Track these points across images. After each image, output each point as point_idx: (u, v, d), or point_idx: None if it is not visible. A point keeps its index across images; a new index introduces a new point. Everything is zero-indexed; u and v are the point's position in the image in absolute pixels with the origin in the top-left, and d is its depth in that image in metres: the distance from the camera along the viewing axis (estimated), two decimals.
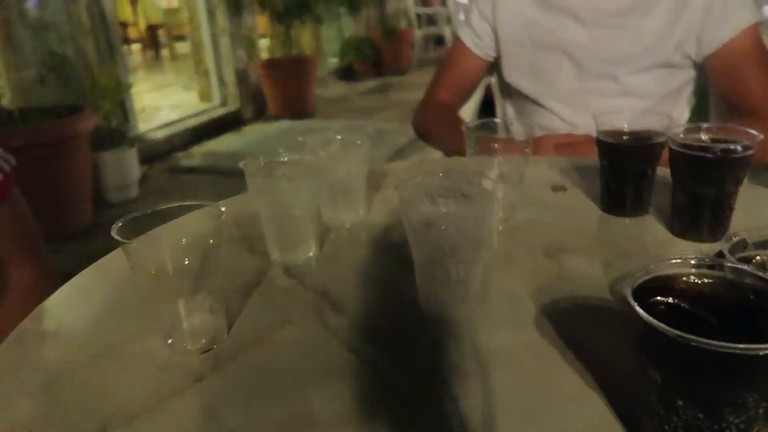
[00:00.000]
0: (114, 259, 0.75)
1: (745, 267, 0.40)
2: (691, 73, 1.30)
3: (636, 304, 0.36)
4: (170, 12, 7.55)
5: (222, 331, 0.59)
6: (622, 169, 0.79)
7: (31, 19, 3.37)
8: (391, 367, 0.53)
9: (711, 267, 0.40)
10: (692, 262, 0.41)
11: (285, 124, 5.00)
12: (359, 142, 0.82)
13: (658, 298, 0.38)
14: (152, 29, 8.15)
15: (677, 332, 0.34)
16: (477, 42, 1.44)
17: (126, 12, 8.03)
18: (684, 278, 0.40)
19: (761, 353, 0.32)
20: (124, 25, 8.06)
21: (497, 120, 1.00)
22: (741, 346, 0.32)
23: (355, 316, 0.61)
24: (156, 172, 3.91)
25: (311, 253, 0.74)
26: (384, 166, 1.07)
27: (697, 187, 0.70)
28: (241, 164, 0.70)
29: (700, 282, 0.40)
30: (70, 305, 0.69)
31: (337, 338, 0.57)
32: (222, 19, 4.91)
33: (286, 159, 0.74)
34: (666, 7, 1.23)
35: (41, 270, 0.91)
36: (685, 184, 0.71)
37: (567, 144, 1.22)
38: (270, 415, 0.48)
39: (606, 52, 1.29)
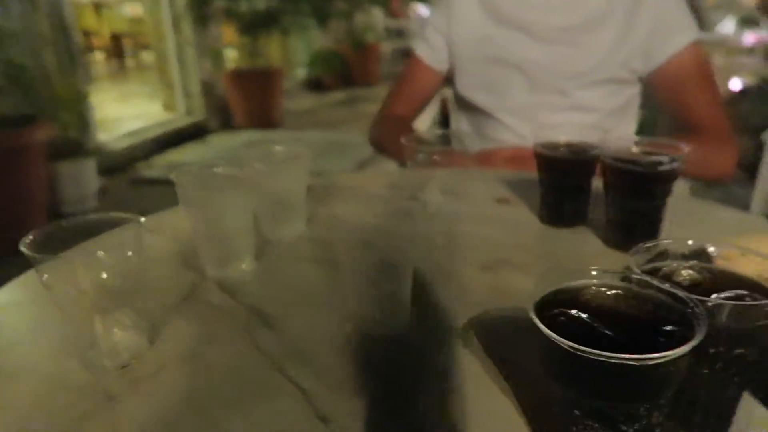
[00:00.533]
0: (31, 280, 0.73)
1: (647, 278, 0.40)
2: (637, 89, 1.34)
3: (534, 315, 0.36)
4: (135, 21, 7.45)
5: (143, 347, 0.58)
6: (558, 182, 0.80)
7: None
8: (313, 385, 0.52)
9: (623, 279, 0.41)
10: (595, 273, 0.41)
11: (250, 135, 4.96)
12: (299, 155, 0.81)
13: (560, 310, 0.38)
14: (117, 38, 8.02)
15: (568, 343, 0.34)
16: (432, 56, 1.46)
17: (90, 20, 7.90)
18: (589, 290, 0.41)
19: (648, 363, 0.32)
20: (87, 33, 7.92)
21: (443, 132, 1.00)
22: (622, 357, 0.32)
23: (285, 333, 0.60)
24: (116, 183, 3.84)
25: (245, 267, 0.73)
26: (329, 178, 1.06)
27: (627, 199, 0.71)
28: (171, 176, 0.69)
29: (604, 294, 0.40)
30: None
31: (266, 356, 0.56)
32: (187, 29, 4.86)
33: (220, 170, 0.73)
34: (615, 24, 1.27)
35: None
36: (615, 196, 0.72)
37: (517, 157, 1.24)
38: None
39: (557, 68, 1.31)
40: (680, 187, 1.35)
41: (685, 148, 0.70)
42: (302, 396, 0.50)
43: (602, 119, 1.33)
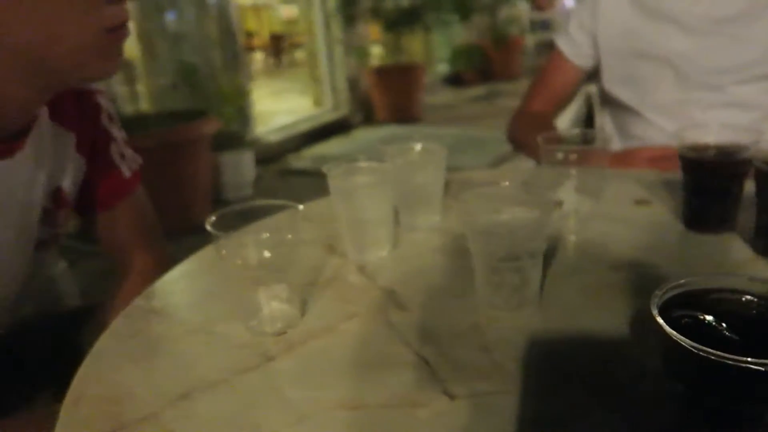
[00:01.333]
0: (209, 253, 0.85)
1: None
2: None
3: (658, 314, 0.38)
4: (290, 22, 8.00)
5: (296, 318, 0.66)
6: (705, 185, 0.77)
7: (168, 31, 3.75)
8: (440, 363, 0.56)
9: (745, 284, 0.41)
10: (727, 278, 0.41)
11: (391, 129, 5.13)
12: (437, 151, 0.86)
13: (685, 311, 0.39)
14: (275, 38, 8.67)
15: (691, 343, 0.35)
16: (574, 51, 1.43)
17: (251, 22, 8.62)
18: (716, 294, 0.41)
19: (761, 369, 0.33)
20: (249, 34, 8.65)
21: (588, 130, 0.99)
22: (749, 360, 0.33)
23: (416, 314, 0.66)
24: (269, 173, 4.18)
25: (384, 254, 0.80)
26: (465, 174, 1.10)
27: None
28: (323, 168, 0.77)
29: (731, 299, 0.40)
30: (174, 288, 0.80)
31: (396, 333, 0.62)
32: (336, 28, 5.13)
33: (365, 165, 0.80)
34: None
35: (159, 258, 1.03)
36: (767, 202, 0.68)
37: (662, 157, 1.18)
38: (326, 395, 0.54)
39: (710, 62, 1.23)
40: None
41: None
42: (429, 371, 0.55)
43: (762, 118, 1.22)
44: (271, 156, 4.43)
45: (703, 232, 0.79)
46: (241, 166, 3.62)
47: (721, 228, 0.78)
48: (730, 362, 0.34)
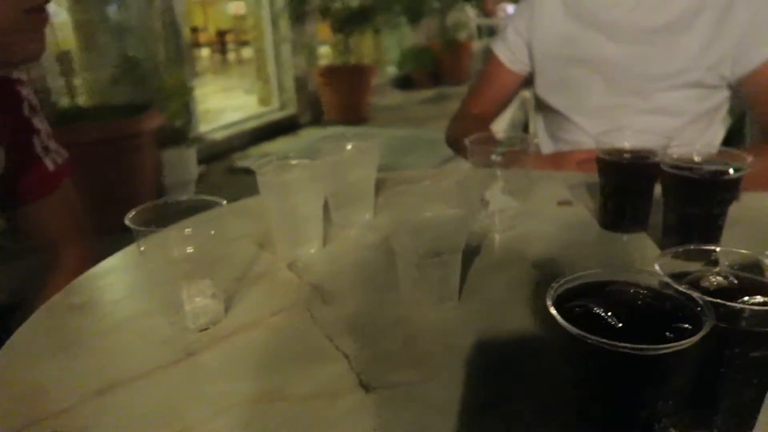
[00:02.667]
0: (134, 250, 0.84)
1: (666, 278, 0.43)
2: (725, 94, 1.29)
3: (551, 304, 0.40)
4: (238, 18, 7.88)
5: (220, 314, 0.66)
6: (618, 187, 0.81)
7: (110, 23, 3.63)
8: (359, 356, 0.58)
9: (640, 277, 0.44)
10: (623, 271, 0.44)
11: (338, 130, 5.12)
12: (369, 148, 0.87)
13: (579, 301, 0.42)
14: (221, 35, 8.52)
15: (575, 330, 0.37)
16: (511, 57, 1.48)
17: (198, 17, 8.44)
18: (610, 286, 0.44)
19: (639, 353, 0.36)
20: (195, 30, 8.46)
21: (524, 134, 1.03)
22: (622, 344, 0.35)
23: (340, 309, 0.67)
24: (214, 171, 4.10)
25: (314, 251, 0.81)
26: (400, 173, 1.12)
27: (683, 206, 0.71)
28: (253, 165, 0.77)
29: (624, 291, 0.43)
30: (96, 284, 0.78)
31: (319, 328, 0.63)
32: (285, 26, 5.09)
33: (295, 162, 0.80)
34: (704, 27, 1.22)
35: (86, 253, 1.01)
36: (672, 203, 0.73)
37: (591, 160, 1.24)
38: (245, 389, 0.54)
39: (638, 69, 1.29)
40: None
41: (749, 158, 0.70)
42: (347, 364, 0.57)
43: (687, 124, 1.29)
44: (216, 154, 4.36)
45: (618, 231, 0.84)
46: (184, 164, 3.55)
47: (633, 228, 0.83)
48: (607, 347, 0.36)
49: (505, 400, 0.51)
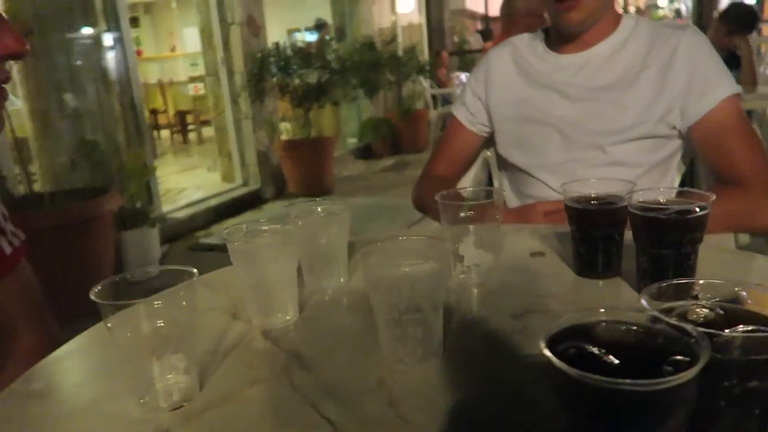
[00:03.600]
0: (100, 329, 0.80)
1: (657, 313, 0.42)
2: (677, 143, 1.34)
3: (545, 346, 0.39)
4: (198, 99, 7.99)
5: (194, 390, 0.62)
6: (589, 233, 0.82)
7: (67, 109, 3.62)
8: (344, 422, 0.55)
9: (627, 314, 0.43)
10: (609, 310, 0.43)
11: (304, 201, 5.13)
12: (340, 211, 0.87)
13: (572, 343, 0.41)
14: (181, 115, 8.60)
15: (573, 370, 0.36)
16: (471, 119, 1.52)
17: (157, 100, 8.52)
18: (600, 326, 0.43)
19: (641, 389, 0.34)
20: (154, 112, 8.52)
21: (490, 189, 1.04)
22: (624, 381, 0.34)
23: (321, 374, 0.64)
24: (177, 250, 4.02)
25: (289, 317, 0.78)
26: (372, 236, 1.12)
27: (656, 248, 0.72)
28: (224, 233, 0.76)
29: (616, 328, 0.43)
30: (58, 369, 0.73)
31: (300, 395, 0.60)
32: (245, 104, 5.18)
33: (266, 228, 0.79)
34: (648, 82, 1.29)
35: (45, 337, 0.95)
36: (644, 245, 0.74)
37: (555, 211, 1.26)
38: None
39: (593, 125, 1.34)
40: (724, 238, 1.33)
41: (712, 197, 0.72)
42: (333, 431, 0.53)
43: (643, 174, 1.33)
44: (179, 233, 4.29)
45: (593, 278, 0.84)
46: (146, 245, 3.47)
47: (607, 273, 0.83)
48: (608, 385, 0.35)
49: None
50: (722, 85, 1.25)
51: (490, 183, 1.94)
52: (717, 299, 0.49)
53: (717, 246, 0.91)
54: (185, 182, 5.79)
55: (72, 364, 0.74)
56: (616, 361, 0.38)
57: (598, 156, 1.35)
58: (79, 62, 3.69)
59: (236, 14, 5.00)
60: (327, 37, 6.72)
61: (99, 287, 0.60)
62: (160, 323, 0.61)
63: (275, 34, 6.25)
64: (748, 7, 4.15)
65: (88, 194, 3.14)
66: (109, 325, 0.59)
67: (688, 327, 0.40)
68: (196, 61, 8.21)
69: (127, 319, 0.59)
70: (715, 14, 5.03)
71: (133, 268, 3.37)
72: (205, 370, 0.66)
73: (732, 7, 4.02)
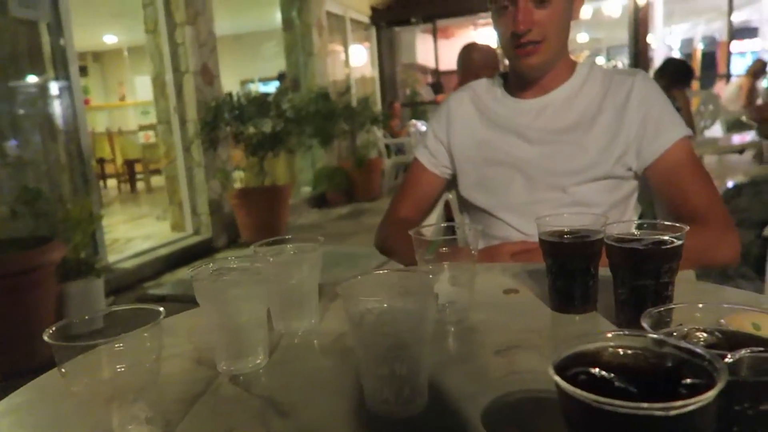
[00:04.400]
0: (54, 377, 0.73)
1: (663, 337, 0.41)
2: (634, 184, 1.38)
3: (555, 373, 0.37)
4: (148, 147, 7.84)
5: None
6: (565, 267, 0.82)
7: (9, 157, 3.47)
8: None
9: (632, 338, 0.41)
10: (613, 334, 0.42)
11: None
12: (311, 249, 0.83)
13: (580, 369, 0.39)
14: (129, 164, 8.40)
15: (592, 397, 0.34)
16: (433, 161, 1.52)
17: (105, 149, 8.31)
18: (606, 351, 0.41)
19: (671, 414, 0.32)
20: (101, 161, 8.30)
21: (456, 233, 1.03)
22: (649, 405, 0.32)
23: (300, 420, 0.59)
24: (124, 302, 3.84)
25: (259, 361, 0.73)
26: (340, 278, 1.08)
27: (634, 279, 0.72)
28: (189, 271, 0.71)
29: (622, 353, 0.41)
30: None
31: None
32: (197, 152, 5.11)
33: (235, 265, 0.75)
34: (605, 125, 1.33)
35: None
36: (622, 277, 0.74)
37: (522, 251, 1.26)
38: None
39: (553, 167, 1.37)
40: (686, 273, 1.35)
41: (685, 227, 0.72)
42: None
43: (603, 213, 1.36)
44: (126, 284, 4.11)
45: (569, 312, 0.83)
46: (90, 296, 3.29)
47: (584, 307, 0.83)
48: (627, 411, 0.33)
49: None
50: (675, 127, 1.31)
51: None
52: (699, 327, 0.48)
53: (682, 279, 0.92)
54: (133, 232, 5.60)
55: (15, 421, 0.66)
56: (631, 388, 0.36)
57: (560, 196, 1.37)
58: (24, 110, 3.57)
59: (190, 63, 4.98)
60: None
61: (53, 329, 0.54)
62: (121, 368, 0.55)
63: (229, 84, 6.25)
64: (684, 63, 4.44)
65: (29, 244, 2.98)
66: (63, 369, 0.53)
67: (700, 349, 0.38)
68: (148, 110, 8.11)
69: (85, 363, 0.54)
70: (652, 70, 5.37)
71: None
72: (169, 421, 0.60)
73: (669, 63, 4.30)
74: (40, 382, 0.72)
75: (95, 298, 3.34)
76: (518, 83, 1.43)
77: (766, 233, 2.61)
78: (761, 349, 0.41)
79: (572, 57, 1.43)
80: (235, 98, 5.15)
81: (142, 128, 8.34)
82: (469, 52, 3.35)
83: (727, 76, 10.27)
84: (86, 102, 6.76)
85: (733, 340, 0.45)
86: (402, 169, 7.83)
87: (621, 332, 0.42)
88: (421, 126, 7.42)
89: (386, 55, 9.70)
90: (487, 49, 3.36)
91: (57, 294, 3.03)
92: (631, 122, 1.31)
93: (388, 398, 0.59)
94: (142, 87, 8.74)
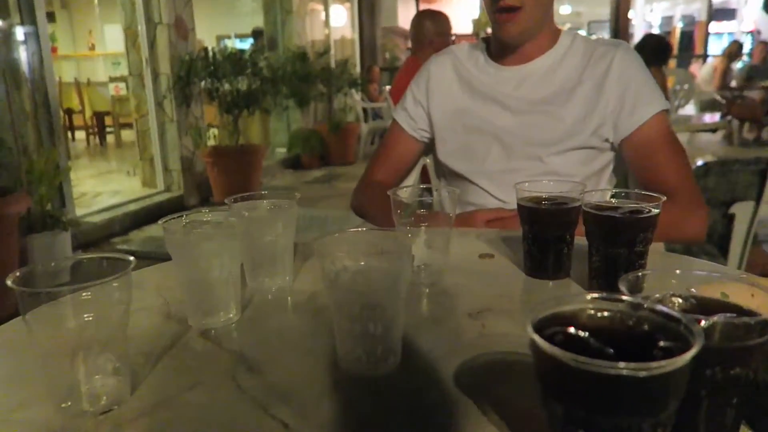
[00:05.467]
0: (17, 326, 0.71)
1: (640, 300, 0.41)
2: (610, 156, 1.39)
3: (534, 332, 0.37)
4: (118, 100, 7.60)
5: (124, 393, 0.56)
6: (542, 233, 0.82)
7: None
8: (301, 425, 0.50)
9: (610, 302, 0.41)
10: (590, 297, 0.42)
11: None
12: (287, 205, 0.82)
13: (557, 329, 0.39)
14: (99, 117, 8.14)
15: (569, 355, 0.34)
16: (412, 124, 1.51)
17: (73, 100, 8.03)
18: (583, 313, 0.41)
19: (644, 374, 0.33)
20: (69, 112, 8.02)
21: (431, 196, 1.02)
22: (623, 365, 0.32)
23: (270, 376, 0.59)
24: None
25: (231, 316, 0.72)
26: (313, 237, 1.07)
27: (609, 246, 0.73)
28: (160, 222, 0.69)
29: (599, 315, 0.41)
30: None
31: (248, 397, 0.54)
32: (170, 108, 4.97)
33: (209, 218, 0.73)
34: (583, 96, 1.33)
35: None
36: (598, 244, 0.74)
37: (497, 219, 1.26)
38: None
39: (531, 136, 1.36)
40: (655, 245, 1.38)
41: (662, 198, 0.73)
42: None
43: (576, 187, 1.37)
44: (94, 239, 4.03)
45: (543, 278, 0.84)
46: (56, 250, 3.22)
47: (558, 274, 0.83)
48: (604, 370, 0.33)
49: None
50: (653, 101, 1.31)
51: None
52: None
53: (651, 250, 0.93)
54: (102, 186, 5.47)
55: None
56: (608, 349, 0.36)
57: (536, 166, 1.37)
58: None
59: (163, 14, 4.81)
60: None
61: (17, 274, 0.52)
62: (88, 317, 0.54)
63: (204, 39, 6.07)
64: (663, 40, 4.46)
65: None
66: (26, 317, 0.51)
67: (678, 313, 0.38)
68: (118, 61, 7.84)
69: (50, 312, 0.52)
70: (631, 45, 5.36)
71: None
72: (137, 372, 0.59)
73: (648, 39, 4.31)
74: (3, 330, 0.70)
75: (61, 252, 3.27)
76: (500, 50, 1.41)
77: (732, 212, 2.68)
78: (734, 315, 0.42)
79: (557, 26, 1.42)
80: (210, 54, 5.00)
81: (113, 80, 8.04)
82: (421, 19, 3.32)
83: (704, 57, 10.38)
84: (53, 50, 6.48)
85: (705, 307, 0.45)
86: (379, 134, 7.77)
87: (599, 295, 0.42)
88: None
89: (367, 17, 9.51)
90: (440, 17, 3.33)
91: (21, 247, 2.95)
92: (609, 95, 1.31)
93: (361, 357, 0.59)
94: (112, 37, 8.40)
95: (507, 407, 0.52)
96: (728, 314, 0.42)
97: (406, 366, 0.60)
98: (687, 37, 14.06)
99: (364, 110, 7.72)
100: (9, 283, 0.50)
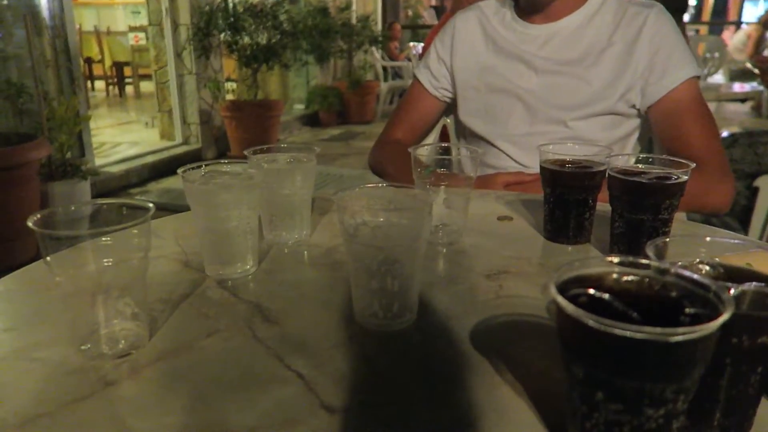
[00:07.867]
0: (40, 268, 0.71)
1: (668, 265, 0.40)
2: (636, 122, 1.35)
3: (558, 293, 0.36)
4: (137, 50, 7.55)
5: (143, 338, 0.56)
6: (564, 196, 0.80)
7: None
8: (316, 376, 0.50)
9: (636, 266, 0.40)
10: (617, 260, 0.41)
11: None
12: (306, 159, 0.81)
13: (581, 291, 0.38)
14: (118, 66, 8.11)
15: (593, 317, 0.33)
16: (434, 83, 1.48)
17: (93, 49, 7.99)
18: (609, 276, 0.40)
19: (672, 340, 0.32)
20: (89, 61, 8.00)
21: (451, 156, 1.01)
22: (651, 330, 0.31)
23: (287, 328, 0.59)
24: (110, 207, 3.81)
25: (248, 267, 0.72)
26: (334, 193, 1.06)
27: (634, 212, 0.71)
28: (179, 170, 0.69)
29: (624, 280, 0.40)
30: None
31: (264, 348, 0.55)
32: (189, 60, 4.93)
33: (228, 169, 0.72)
34: (612, 60, 1.29)
35: None
36: (622, 210, 0.72)
37: (516, 183, 1.24)
38: (179, 422, 0.45)
39: (556, 99, 1.33)
40: (677, 214, 1.36)
41: (691, 164, 0.71)
42: (305, 386, 0.49)
43: (600, 151, 1.34)
44: (112, 189, 4.07)
45: (562, 242, 0.83)
46: (76, 198, 3.26)
47: (578, 239, 0.82)
48: (630, 335, 0.32)
49: (478, 417, 0.46)
50: (684, 66, 1.26)
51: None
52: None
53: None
54: (120, 137, 5.49)
55: (3, 306, 0.66)
56: (633, 313, 0.36)
57: (560, 130, 1.34)
58: (6, 1, 3.38)
59: None
60: None
61: (38, 216, 0.52)
62: (108, 262, 0.54)
63: None
64: None
65: (11, 140, 2.90)
66: (48, 259, 0.51)
67: (707, 280, 0.37)
68: (138, 9, 7.75)
69: (71, 255, 0.52)
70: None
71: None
72: (155, 318, 0.60)
73: None
74: (23, 273, 0.71)
75: (80, 200, 3.31)
76: (528, 7, 1.36)
77: (756, 185, 2.62)
78: (763, 284, 0.40)
79: None
80: (230, 5, 4.92)
81: (132, 29, 7.98)
82: None
83: (738, 24, 10.01)
84: None
85: (733, 275, 0.44)
86: (399, 93, 7.66)
87: (625, 258, 0.41)
88: (420, 48, 7.19)
89: None
90: None
91: (41, 194, 2.99)
92: (639, 59, 1.26)
93: (377, 312, 0.59)
94: None
95: (521, 367, 0.51)
96: (756, 283, 0.41)
97: (422, 323, 0.60)
98: (721, 2, 13.54)
99: (384, 69, 7.59)
100: (30, 224, 0.50)
